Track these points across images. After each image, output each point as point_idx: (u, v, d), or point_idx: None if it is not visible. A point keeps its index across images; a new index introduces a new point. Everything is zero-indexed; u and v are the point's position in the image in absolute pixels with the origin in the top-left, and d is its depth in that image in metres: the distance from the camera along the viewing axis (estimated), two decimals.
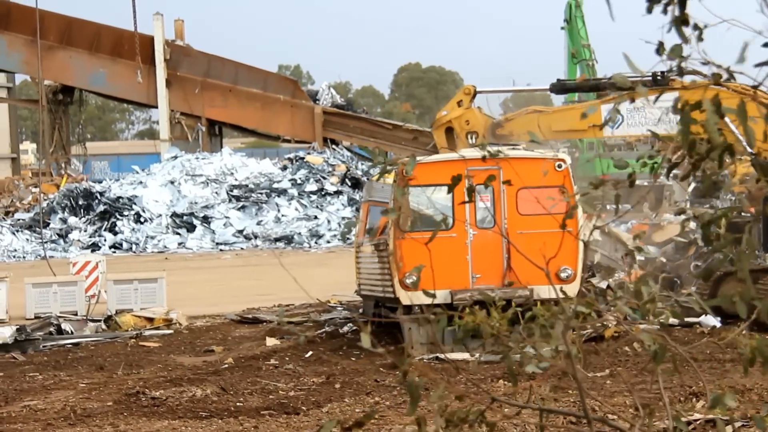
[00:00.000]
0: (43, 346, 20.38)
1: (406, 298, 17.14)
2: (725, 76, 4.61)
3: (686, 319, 18.81)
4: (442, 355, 15.16)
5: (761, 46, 4.51)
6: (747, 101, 4.58)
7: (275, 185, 50.30)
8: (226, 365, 17.71)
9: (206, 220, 48.36)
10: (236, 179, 50.98)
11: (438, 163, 17.29)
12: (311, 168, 51.66)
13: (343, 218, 47.60)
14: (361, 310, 21.35)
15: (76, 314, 24.04)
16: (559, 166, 17.53)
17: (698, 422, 10.89)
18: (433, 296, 5.28)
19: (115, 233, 47.75)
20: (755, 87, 4.68)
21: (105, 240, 47.32)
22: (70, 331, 21.72)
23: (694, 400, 12.76)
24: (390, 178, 18.16)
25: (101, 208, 48.88)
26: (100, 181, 54.46)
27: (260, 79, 62.83)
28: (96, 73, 62.59)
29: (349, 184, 50.49)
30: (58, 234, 47.63)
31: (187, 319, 22.97)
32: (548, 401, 5.70)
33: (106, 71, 62.44)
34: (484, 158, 5.27)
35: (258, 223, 48.14)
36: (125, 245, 46.92)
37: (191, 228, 48.00)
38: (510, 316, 5.30)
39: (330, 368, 16.87)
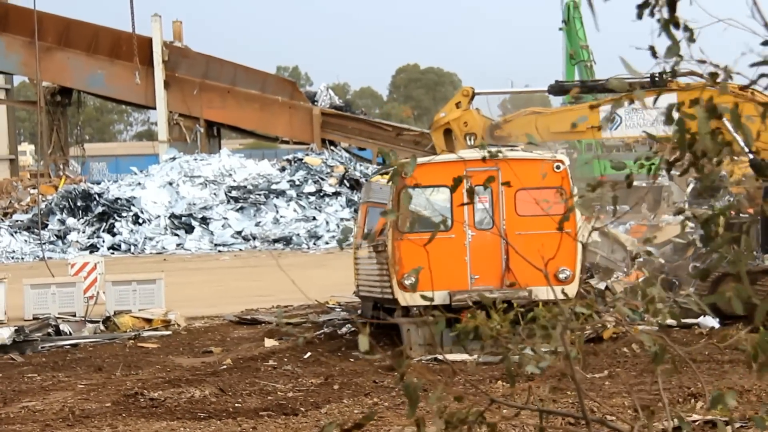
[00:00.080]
0: (42, 347, 20.38)
1: (404, 299, 17.13)
2: (722, 75, 4.61)
3: (685, 321, 18.83)
4: (440, 356, 15.16)
5: (760, 44, 4.51)
6: (742, 102, 4.58)
7: (273, 186, 50.30)
8: (225, 366, 17.70)
9: (205, 221, 48.37)
10: (235, 180, 50.97)
11: (436, 164, 17.29)
12: (310, 169, 51.66)
13: (342, 219, 47.59)
14: (359, 311, 21.34)
15: (75, 315, 24.02)
16: (558, 167, 17.53)
17: (697, 423, 10.89)
18: (431, 300, 5.28)
19: (114, 234, 47.74)
20: (746, 87, 4.68)
21: (103, 241, 47.32)
22: (68, 332, 21.71)
23: (693, 401, 12.76)
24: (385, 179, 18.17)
25: (99, 209, 48.88)
26: (99, 183, 54.45)
27: (258, 80, 62.85)
28: (94, 75, 62.59)
29: (348, 185, 50.49)
30: (56, 235, 47.62)
31: (185, 320, 22.97)
32: (547, 402, 5.69)
33: (104, 73, 62.45)
34: (484, 159, 5.27)
35: (256, 225, 48.15)
36: (124, 246, 46.92)
37: (190, 229, 48.00)
38: (511, 317, 5.30)
39: (328, 369, 16.87)
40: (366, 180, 37.63)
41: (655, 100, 5.07)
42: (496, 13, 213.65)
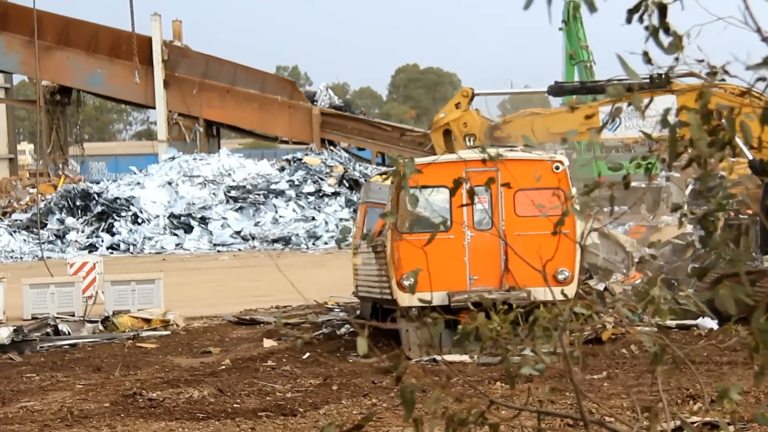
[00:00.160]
0: (40, 347, 20.37)
1: (403, 299, 17.12)
2: (719, 75, 4.60)
3: (684, 322, 18.83)
4: (439, 358, 15.16)
5: (760, 40, 4.50)
6: (739, 104, 4.57)
7: (273, 186, 50.29)
8: (223, 366, 17.70)
9: (204, 221, 48.36)
10: (234, 180, 50.97)
11: (435, 165, 17.27)
12: (309, 169, 51.66)
13: (341, 219, 47.60)
14: (358, 312, 21.34)
15: (74, 315, 24.01)
16: (557, 167, 17.51)
17: (696, 425, 10.88)
18: (429, 302, 5.27)
19: (113, 234, 47.74)
20: (744, 93, 4.67)
21: (102, 241, 47.30)
22: (67, 332, 21.70)
23: (692, 402, 12.76)
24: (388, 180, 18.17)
25: (99, 208, 48.87)
26: (98, 182, 54.45)
27: (258, 80, 62.84)
28: (94, 74, 62.59)
29: (347, 185, 50.49)
30: (55, 235, 47.61)
31: (184, 321, 22.96)
32: (545, 404, 5.69)
33: (103, 72, 62.45)
34: (484, 161, 5.27)
35: (255, 224, 48.14)
36: (123, 246, 46.91)
37: (189, 229, 47.99)
38: (512, 318, 5.29)
39: (327, 370, 16.86)
40: (365, 180, 37.65)
41: (650, 101, 5.06)
42: (495, 12, 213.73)
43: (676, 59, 4.61)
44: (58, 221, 48.59)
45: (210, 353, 19.32)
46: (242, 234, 47.54)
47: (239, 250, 45.98)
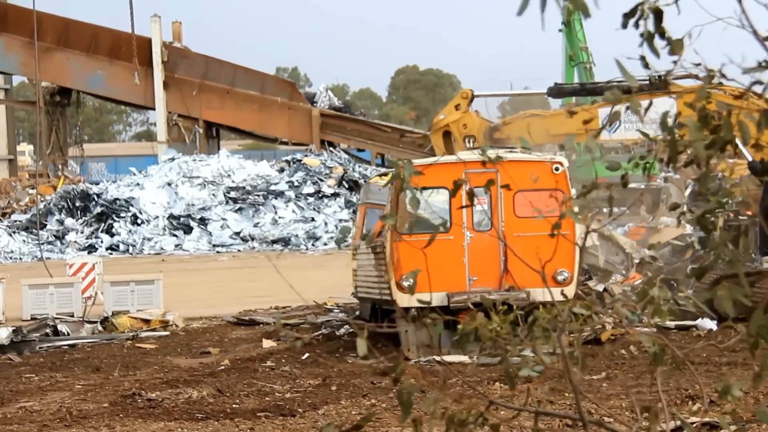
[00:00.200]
0: (40, 348, 20.37)
1: (402, 300, 17.12)
2: (717, 77, 4.61)
3: (683, 323, 18.84)
4: (438, 358, 15.16)
5: (759, 41, 4.50)
6: (737, 104, 4.58)
7: (272, 187, 50.30)
8: (223, 367, 17.70)
9: (203, 222, 48.36)
10: (233, 181, 50.97)
11: (435, 166, 17.28)
12: (308, 170, 51.67)
13: (340, 220, 47.61)
14: (357, 313, 21.34)
15: (73, 316, 24.02)
16: (557, 168, 17.52)
17: (695, 425, 10.89)
18: (428, 303, 5.28)
19: (112, 235, 47.73)
20: (741, 96, 4.67)
21: (102, 242, 47.30)
22: (66, 333, 21.71)
23: (691, 403, 12.77)
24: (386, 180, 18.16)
25: (98, 209, 48.87)
26: (97, 183, 54.44)
27: (258, 81, 62.86)
28: (93, 75, 62.61)
29: (347, 186, 50.50)
30: (54, 235, 47.60)
31: (183, 321, 22.96)
32: (544, 404, 5.69)
33: (103, 73, 62.47)
34: (484, 163, 5.27)
35: (255, 225, 48.15)
36: (122, 247, 46.91)
37: (188, 230, 47.99)
38: (512, 318, 5.29)
39: (326, 370, 16.86)
40: (365, 181, 37.64)
41: (650, 105, 5.07)
42: (495, 13, 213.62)
43: (675, 63, 4.61)
44: (57, 222, 48.59)
45: (209, 354, 19.32)
46: (242, 235, 47.54)
47: (239, 250, 45.98)
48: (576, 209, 4.83)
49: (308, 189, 50.22)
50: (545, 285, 16.48)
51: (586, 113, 26.13)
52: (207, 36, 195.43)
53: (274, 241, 46.72)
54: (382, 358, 4.92)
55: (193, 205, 49.11)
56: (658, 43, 4.57)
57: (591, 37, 54.42)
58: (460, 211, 17.26)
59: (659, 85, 15.57)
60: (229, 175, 51.39)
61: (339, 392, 15.11)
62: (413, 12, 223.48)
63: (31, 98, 72.67)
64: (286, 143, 64.10)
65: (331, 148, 58.29)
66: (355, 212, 37.09)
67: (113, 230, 47.93)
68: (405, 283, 17.00)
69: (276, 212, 48.89)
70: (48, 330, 21.68)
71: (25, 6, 59.81)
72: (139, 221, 48.31)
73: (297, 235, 47.02)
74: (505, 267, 17.63)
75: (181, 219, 48.49)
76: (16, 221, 49.65)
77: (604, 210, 5.17)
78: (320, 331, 20.94)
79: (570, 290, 17.04)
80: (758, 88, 4.53)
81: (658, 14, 4.53)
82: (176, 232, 47.97)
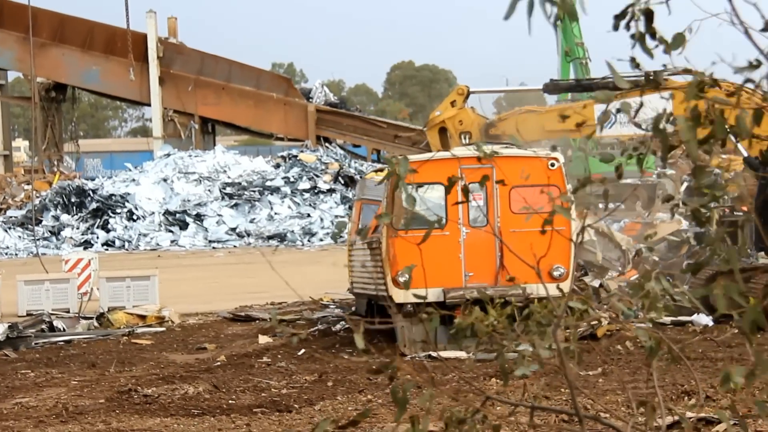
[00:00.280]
0: (35, 344, 20.36)
1: (398, 296, 17.12)
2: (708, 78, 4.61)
3: (678, 318, 18.85)
4: (435, 354, 15.16)
5: (759, 31, 4.50)
6: (732, 101, 4.58)
7: (268, 183, 50.28)
8: (219, 363, 17.69)
9: (199, 217, 48.34)
10: (229, 177, 50.95)
11: (431, 162, 17.28)
12: (304, 166, 51.65)
13: (336, 216, 47.60)
14: (353, 308, 21.35)
15: (69, 311, 24.01)
16: (553, 164, 17.52)
17: (691, 420, 10.90)
18: (424, 298, 5.29)
19: (108, 231, 47.70)
20: (733, 94, 4.68)
21: (97, 237, 47.27)
22: (62, 329, 21.69)
23: (686, 398, 12.78)
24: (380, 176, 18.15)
25: (94, 205, 48.83)
26: (93, 179, 54.41)
27: (253, 76, 62.80)
28: (89, 71, 62.53)
29: (342, 182, 50.50)
30: (50, 231, 47.57)
31: (179, 317, 22.96)
32: (540, 399, 5.70)
33: (99, 69, 62.39)
34: (479, 159, 5.27)
35: (251, 221, 48.13)
36: (118, 243, 46.88)
37: (184, 226, 47.97)
38: (509, 312, 5.30)
39: (322, 366, 16.87)
40: (360, 177, 37.63)
41: (641, 106, 5.07)
42: (491, 9, 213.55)
43: (664, 66, 4.62)
44: (53, 218, 48.55)
45: (205, 350, 19.32)
46: (237, 231, 47.52)
47: (234, 246, 45.96)
48: (570, 205, 4.84)
49: (304, 185, 50.20)
50: (540, 280, 16.48)
51: (579, 117, 26.14)
52: (202, 32, 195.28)
53: (269, 237, 46.71)
54: (377, 355, 4.93)
55: (188, 200, 49.08)
56: (650, 43, 4.57)
57: (587, 32, 54.46)
58: (456, 207, 17.27)
59: (651, 84, 15.51)
60: (224, 171, 51.36)
61: (335, 388, 15.11)
62: (409, 8, 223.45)
63: (26, 94, 72.50)
64: (281, 139, 64.06)
65: (326, 144, 58.26)
66: (350, 208, 37.09)
67: (109, 226, 47.89)
68: (401, 279, 17.01)
69: (272, 208, 48.87)
70: (44, 326, 21.67)
71: (20, 2, 59.73)
72: (134, 217, 48.28)
73: (293, 231, 47.01)
74: (500, 263, 17.64)
75: (177, 215, 48.46)
76: (11, 217, 49.61)
77: (600, 206, 5.18)
78: (316, 327, 20.95)
79: (566, 285, 17.04)
80: (750, 87, 4.53)
81: (649, 15, 4.53)
82: (172, 228, 47.94)
